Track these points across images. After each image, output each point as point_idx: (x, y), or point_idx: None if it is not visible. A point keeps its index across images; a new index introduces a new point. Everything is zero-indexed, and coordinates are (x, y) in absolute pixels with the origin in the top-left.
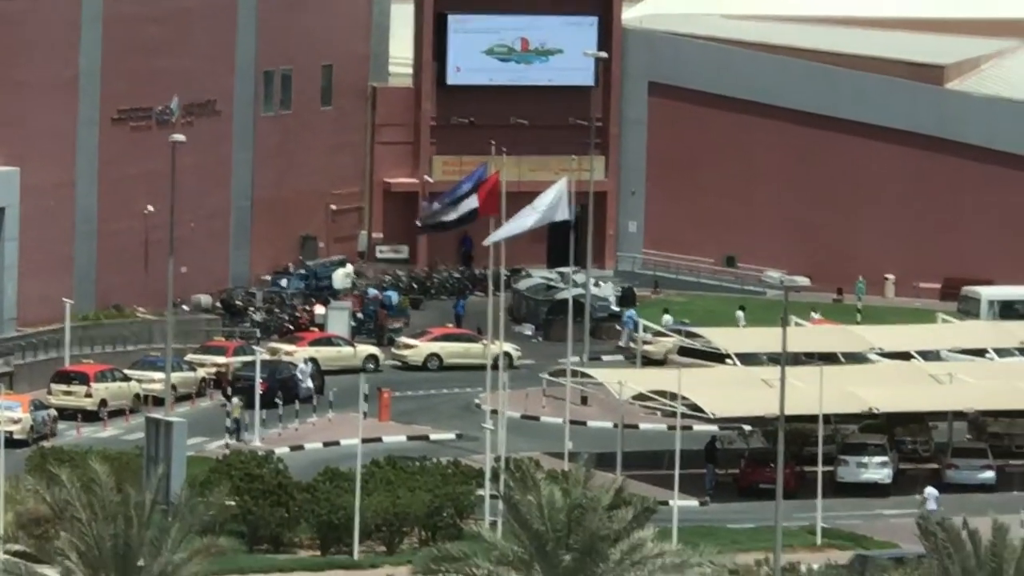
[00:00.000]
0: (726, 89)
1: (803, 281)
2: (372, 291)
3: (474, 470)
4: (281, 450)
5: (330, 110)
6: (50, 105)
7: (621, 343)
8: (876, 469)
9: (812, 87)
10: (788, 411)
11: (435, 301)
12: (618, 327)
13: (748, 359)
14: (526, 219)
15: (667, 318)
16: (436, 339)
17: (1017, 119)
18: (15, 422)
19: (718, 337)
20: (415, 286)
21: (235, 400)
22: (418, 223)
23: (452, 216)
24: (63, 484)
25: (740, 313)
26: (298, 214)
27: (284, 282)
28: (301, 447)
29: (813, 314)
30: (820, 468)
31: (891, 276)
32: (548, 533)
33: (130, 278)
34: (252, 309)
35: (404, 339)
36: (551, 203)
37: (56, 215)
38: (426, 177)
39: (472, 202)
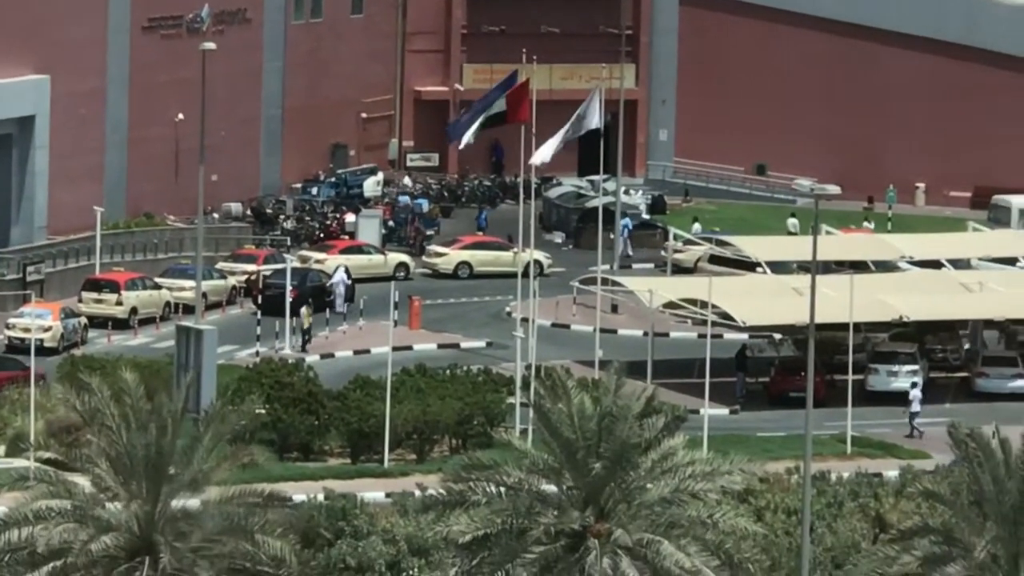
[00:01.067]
0: (774, 1)
1: (833, 189)
2: (404, 199)
3: (504, 378)
4: (312, 358)
5: (360, 18)
6: (80, 13)
7: (618, 254)
8: (906, 377)
9: None
10: (818, 319)
11: (465, 209)
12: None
13: (778, 267)
14: (567, 132)
15: (697, 226)
16: (466, 247)
17: None
18: (46, 330)
19: (748, 245)
20: (445, 194)
21: (304, 309)
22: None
23: (480, 120)
24: (93, 392)
25: (793, 220)
26: (328, 122)
27: (315, 190)
28: (332, 355)
29: (866, 223)
30: (850, 376)
31: (921, 184)
32: (578, 441)
33: (161, 186)
34: (283, 217)
35: (434, 247)
36: (588, 115)
37: (86, 123)
38: (456, 85)
39: (500, 105)
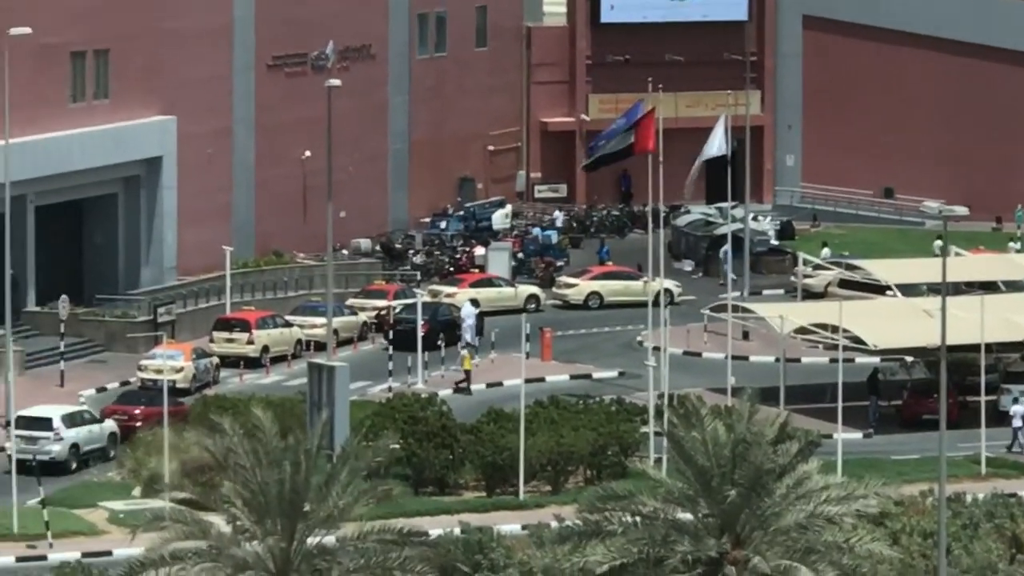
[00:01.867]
0: (880, 20)
1: (962, 211)
2: (536, 231)
3: (638, 407)
4: (444, 392)
5: (485, 51)
6: (205, 53)
7: (722, 281)
8: None
9: (964, 16)
10: (949, 341)
11: (595, 239)
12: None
13: (908, 290)
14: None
15: (826, 251)
16: (596, 277)
17: None
18: (178, 371)
19: (878, 269)
20: (574, 225)
21: (464, 352)
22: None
23: (609, 150)
24: (225, 432)
25: (939, 243)
26: (455, 156)
27: (443, 224)
28: (461, 387)
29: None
30: (983, 397)
31: None
32: (713, 469)
33: (289, 224)
34: (412, 252)
35: (565, 278)
36: (714, 142)
37: (214, 163)
38: (582, 116)
39: (629, 137)
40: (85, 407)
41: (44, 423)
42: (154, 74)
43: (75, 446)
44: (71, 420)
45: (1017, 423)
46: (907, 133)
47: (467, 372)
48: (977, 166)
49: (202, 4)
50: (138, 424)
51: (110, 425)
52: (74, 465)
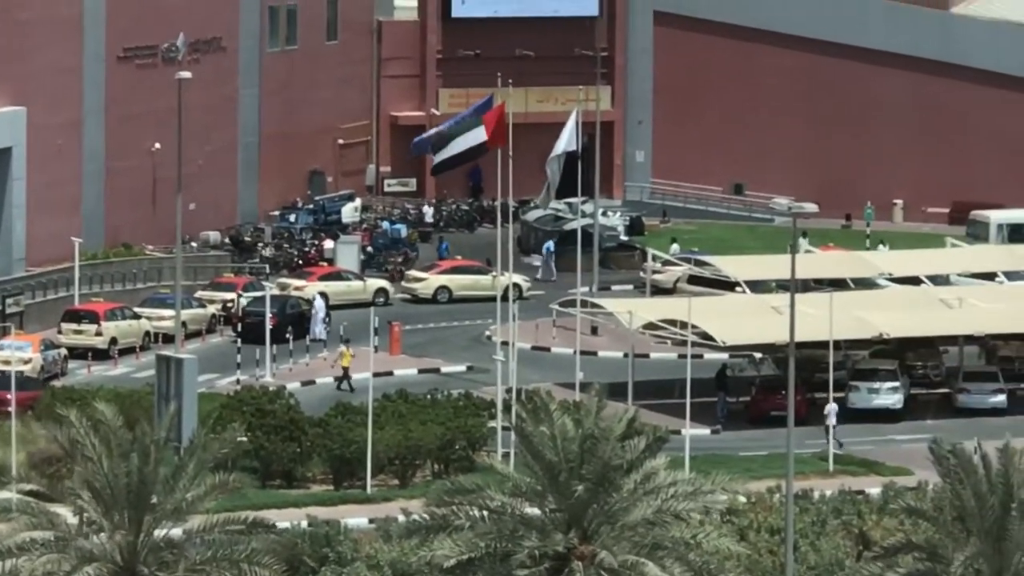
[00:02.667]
0: (731, 17)
1: (811, 207)
2: (385, 224)
3: (486, 402)
4: (292, 385)
5: (336, 44)
6: (55, 44)
7: (539, 276)
8: (887, 394)
9: (816, 13)
10: (798, 338)
11: (444, 234)
12: (534, 262)
13: (757, 286)
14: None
15: (675, 247)
16: (445, 272)
17: (1022, 42)
18: (26, 362)
19: (727, 265)
20: (420, 219)
21: (343, 347)
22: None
23: (458, 150)
24: (72, 424)
25: (803, 240)
26: (306, 149)
27: (293, 217)
28: (312, 382)
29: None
30: (831, 394)
31: (899, 201)
32: (561, 464)
33: (138, 216)
34: (261, 245)
35: (414, 272)
36: (565, 137)
37: (63, 154)
38: (433, 110)
39: (480, 134)
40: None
41: None
42: (3, 64)
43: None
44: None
45: (832, 420)
46: (758, 130)
47: (345, 368)
48: (827, 163)
49: None
50: (7, 409)
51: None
52: None
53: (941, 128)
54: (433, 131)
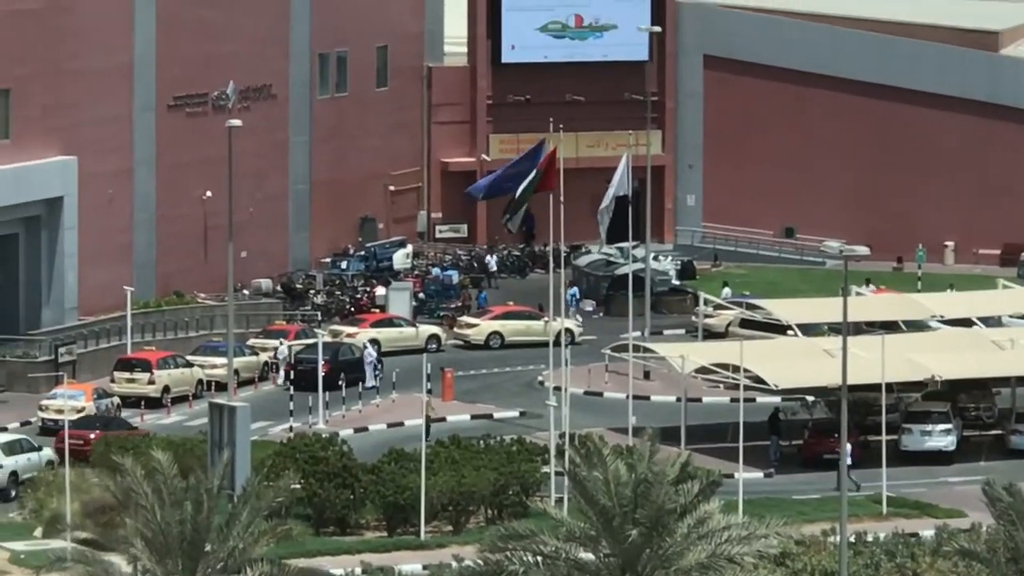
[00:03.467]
0: (780, 60)
1: (863, 250)
2: (436, 270)
3: (539, 447)
4: (345, 432)
5: (386, 91)
6: (106, 93)
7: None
8: (940, 437)
9: (866, 56)
10: (851, 381)
11: (496, 279)
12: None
13: (809, 329)
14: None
15: (727, 291)
16: (497, 317)
17: None
18: (79, 411)
19: (779, 308)
20: (475, 265)
21: (427, 398)
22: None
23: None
24: (126, 472)
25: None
26: (356, 196)
27: (344, 264)
28: (365, 429)
29: (869, 286)
30: (884, 437)
31: (950, 243)
32: (614, 508)
33: (190, 264)
34: (313, 292)
35: (465, 318)
36: (615, 183)
37: (114, 203)
38: (483, 156)
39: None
40: (24, 435)
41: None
42: (55, 114)
43: (14, 474)
44: (10, 448)
45: (847, 460)
46: (808, 173)
47: (428, 417)
48: (878, 206)
49: (103, 44)
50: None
51: (47, 453)
52: (13, 493)
53: (991, 169)
54: (487, 178)
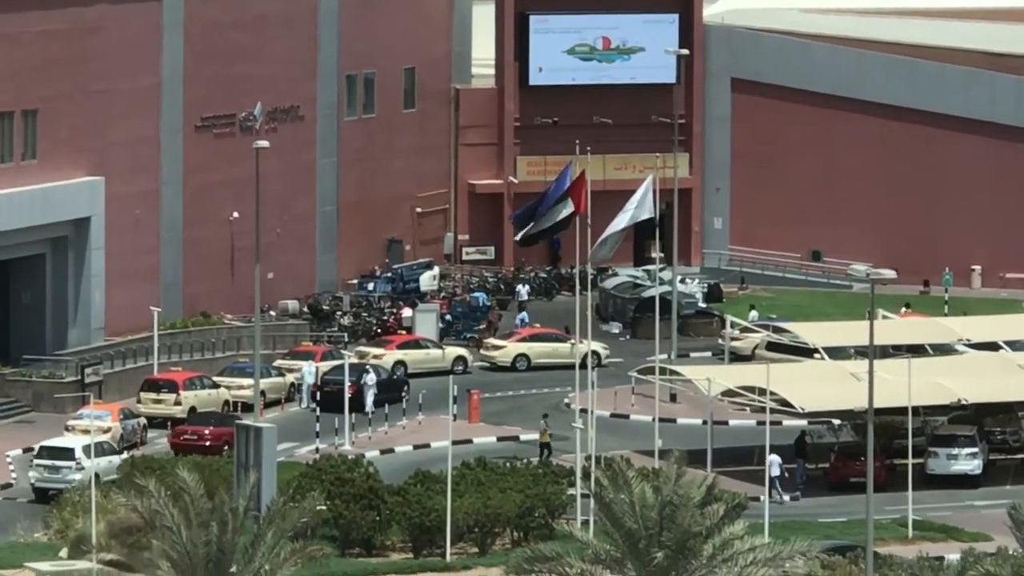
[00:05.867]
0: (807, 83)
1: (889, 274)
2: (476, 294)
3: (565, 470)
4: (371, 454)
5: (413, 113)
6: (133, 114)
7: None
8: (966, 460)
9: (892, 79)
10: (877, 404)
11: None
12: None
13: (835, 353)
14: (619, 220)
15: (753, 314)
16: (524, 340)
17: None
18: (105, 431)
19: (806, 332)
20: (502, 287)
21: (543, 422)
22: (516, 239)
23: (549, 224)
24: (151, 494)
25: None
26: (383, 217)
27: (371, 286)
28: (391, 450)
29: (904, 308)
30: (911, 460)
31: (977, 267)
32: (640, 531)
33: (217, 285)
34: (340, 313)
35: (492, 340)
36: (639, 201)
37: (141, 224)
38: (511, 178)
39: (569, 206)
40: (112, 430)
41: (66, 453)
42: (83, 135)
43: (96, 476)
44: (90, 452)
45: (775, 471)
46: (835, 196)
47: (543, 444)
48: (905, 230)
49: (130, 65)
50: (207, 443)
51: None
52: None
53: (1018, 193)
54: (528, 205)
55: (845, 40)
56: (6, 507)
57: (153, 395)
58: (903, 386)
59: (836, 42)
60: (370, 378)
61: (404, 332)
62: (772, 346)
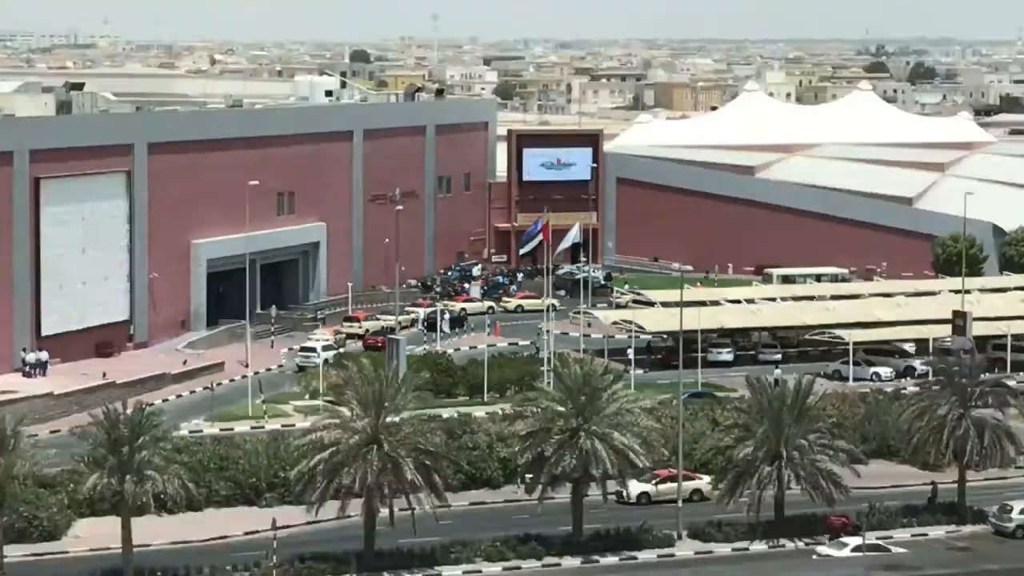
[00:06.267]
0: (659, 180)
1: (687, 268)
2: (497, 277)
3: (540, 358)
4: (450, 351)
5: (469, 193)
6: (339, 191)
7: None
8: (726, 355)
9: (706, 179)
10: (674, 327)
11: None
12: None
13: (666, 305)
14: (563, 243)
15: (626, 287)
16: (521, 299)
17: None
18: (325, 343)
19: (650, 295)
20: (510, 275)
21: (535, 336)
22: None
23: (530, 247)
24: (349, 368)
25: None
26: (456, 240)
27: (449, 273)
28: (458, 349)
29: (698, 284)
30: (699, 355)
31: (730, 264)
32: (574, 387)
33: (378, 271)
34: (435, 285)
35: (505, 298)
36: (573, 236)
37: (343, 246)
38: (513, 223)
39: (538, 237)
40: (331, 340)
41: (311, 350)
42: (315, 202)
43: (325, 360)
44: (326, 348)
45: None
46: (666, 232)
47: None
48: (699, 246)
49: (336, 167)
50: (379, 345)
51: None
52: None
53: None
54: (525, 236)
55: (684, 161)
56: (283, 376)
57: (348, 324)
58: (694, 317)
59: (677, 162)
60: (447, 316)
61: (465, 295)
62: (635, 302)
